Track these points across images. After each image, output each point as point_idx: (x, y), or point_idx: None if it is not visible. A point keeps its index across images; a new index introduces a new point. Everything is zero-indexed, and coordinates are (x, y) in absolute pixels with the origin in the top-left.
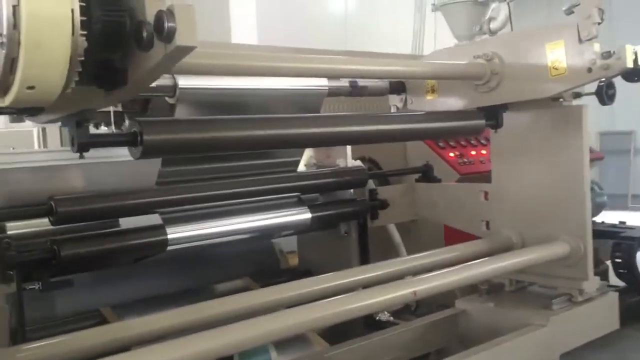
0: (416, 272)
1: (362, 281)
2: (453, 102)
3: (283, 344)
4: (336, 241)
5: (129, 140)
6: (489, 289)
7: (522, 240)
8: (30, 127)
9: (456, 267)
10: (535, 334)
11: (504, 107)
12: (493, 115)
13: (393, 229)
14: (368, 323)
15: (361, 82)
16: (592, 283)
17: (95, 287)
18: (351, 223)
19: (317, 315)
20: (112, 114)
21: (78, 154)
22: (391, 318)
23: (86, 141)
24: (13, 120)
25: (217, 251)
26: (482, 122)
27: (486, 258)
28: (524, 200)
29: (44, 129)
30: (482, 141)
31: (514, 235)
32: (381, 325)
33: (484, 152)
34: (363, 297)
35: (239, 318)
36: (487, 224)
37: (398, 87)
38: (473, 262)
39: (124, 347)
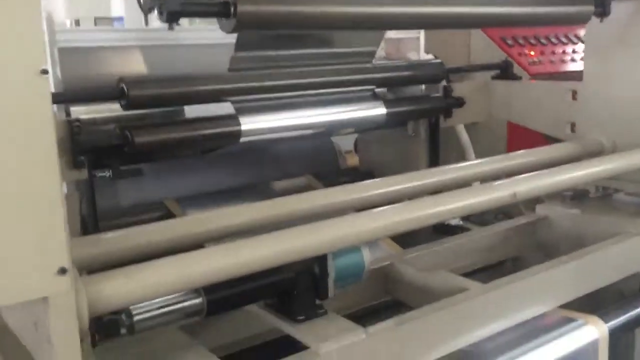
0: (495, 176)
1: (438, 183)
2: None
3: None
4: (402, 141)
5: (221, 10)
6: (573, 195)
7: (614, 145)
8: None
9: (547, 170)
10: (629, 243)
11: None
12: (599, 1)
13: (462, 130)
14: (436, 227)
15: None
16: None
17: (159, 178)
18: (420, 122)
19: (407, 217)
20: None
21: (167, 28)
22: (461, 223)
23: (176, 10)
24: None
25: (277, 148)
26: (591, 8)
27: (580, 162)
28: (619, 100)
29: None
30: (552, 39)
31: (605, 138)
32: (451, 231)
33: (556, 50)
34: (459, 197)
35: (311, 217)
36: (573, 126)
37: None
38: (565, 165)
39: (198, 241)
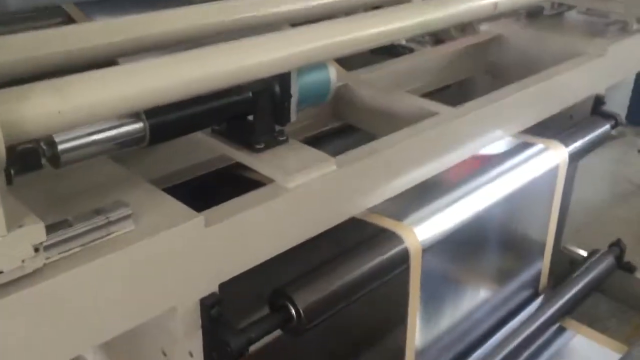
0: None
1: None
2: None
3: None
4: None
5: None
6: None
7: None
8: None
9: None
10: (590, 65)
11: None
12: None
13: None
14: (375, 49)
15: None
16: None
17: None
18: None
19: (389, 27)
20: None
21: None
22: (404, 42)
23: None
24: None
25: None
26: None
27: None
28: None
29: None
30: None
31: None
32: (394, 51)
33: None
34: (440, 6)
35: (244, 28)
36: None
37: None
38: None
39: (110, 55)
